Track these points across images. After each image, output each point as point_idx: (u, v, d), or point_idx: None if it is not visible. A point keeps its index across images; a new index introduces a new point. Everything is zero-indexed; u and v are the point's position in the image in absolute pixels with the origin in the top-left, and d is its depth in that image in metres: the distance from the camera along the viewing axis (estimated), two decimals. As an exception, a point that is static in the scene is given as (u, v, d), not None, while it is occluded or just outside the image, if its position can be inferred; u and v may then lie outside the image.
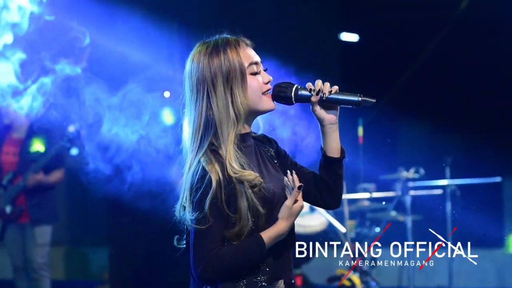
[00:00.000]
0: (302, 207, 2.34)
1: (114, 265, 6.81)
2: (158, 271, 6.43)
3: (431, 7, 7.57)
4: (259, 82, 2.34)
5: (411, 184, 6.19)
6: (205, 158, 2.25)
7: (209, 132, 2.28)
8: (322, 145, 2.43)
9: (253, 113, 2.37)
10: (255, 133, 2.50)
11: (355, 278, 5.87)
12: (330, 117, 2.38)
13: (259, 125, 2.56)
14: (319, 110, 2.37)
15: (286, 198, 2.33)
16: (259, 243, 2.24)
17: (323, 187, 2.45)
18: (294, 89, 2.37)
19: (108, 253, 6.77)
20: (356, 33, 8.15)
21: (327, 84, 2.35)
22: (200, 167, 2.24)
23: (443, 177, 6.30)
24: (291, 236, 2.38)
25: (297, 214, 2.32)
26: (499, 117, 7.64)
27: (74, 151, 5.53)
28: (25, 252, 5.74)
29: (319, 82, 2.35)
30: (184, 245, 2.39)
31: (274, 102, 2.38)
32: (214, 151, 2.27)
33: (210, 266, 2.21)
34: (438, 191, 6.28)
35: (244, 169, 2.26)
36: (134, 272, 6.65)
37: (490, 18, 7.25)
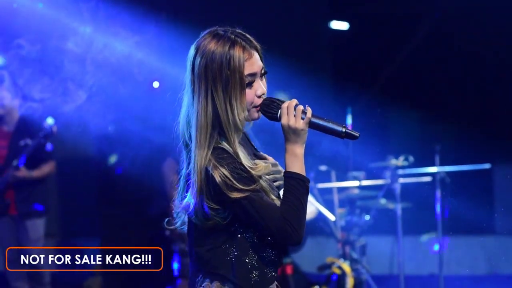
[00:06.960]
0: (297, 123, 2.27)
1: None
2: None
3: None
4: (251, 96, 2.28)
5: (400, 171, 6.20)
6: (216, 155, 2.22)
7: (216, 131, 2.24)
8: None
9: None
10: None
11: (346, 266, 5.90)
12: None
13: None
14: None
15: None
16: (300, 178, 2.25)
17: None
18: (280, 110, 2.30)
19: (100, 244, 6.77)
20: (346, 21, 8.15)
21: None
22: (212, 164, 2.20)
23: (432, 164, 6.31)
24: None
25: (301, 133, 2.27)
26: (489, 104, 7.67)
27: (48, 147, 5.53)
28: (18, 245, 5.72)
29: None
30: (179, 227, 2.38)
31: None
32: (222, 149, 2.24)
33: (292, 226, 2.21)
34: (428, 179, 6.29)
35: (255, 164, 2.27)
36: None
37: (481, 7, 7.25)
